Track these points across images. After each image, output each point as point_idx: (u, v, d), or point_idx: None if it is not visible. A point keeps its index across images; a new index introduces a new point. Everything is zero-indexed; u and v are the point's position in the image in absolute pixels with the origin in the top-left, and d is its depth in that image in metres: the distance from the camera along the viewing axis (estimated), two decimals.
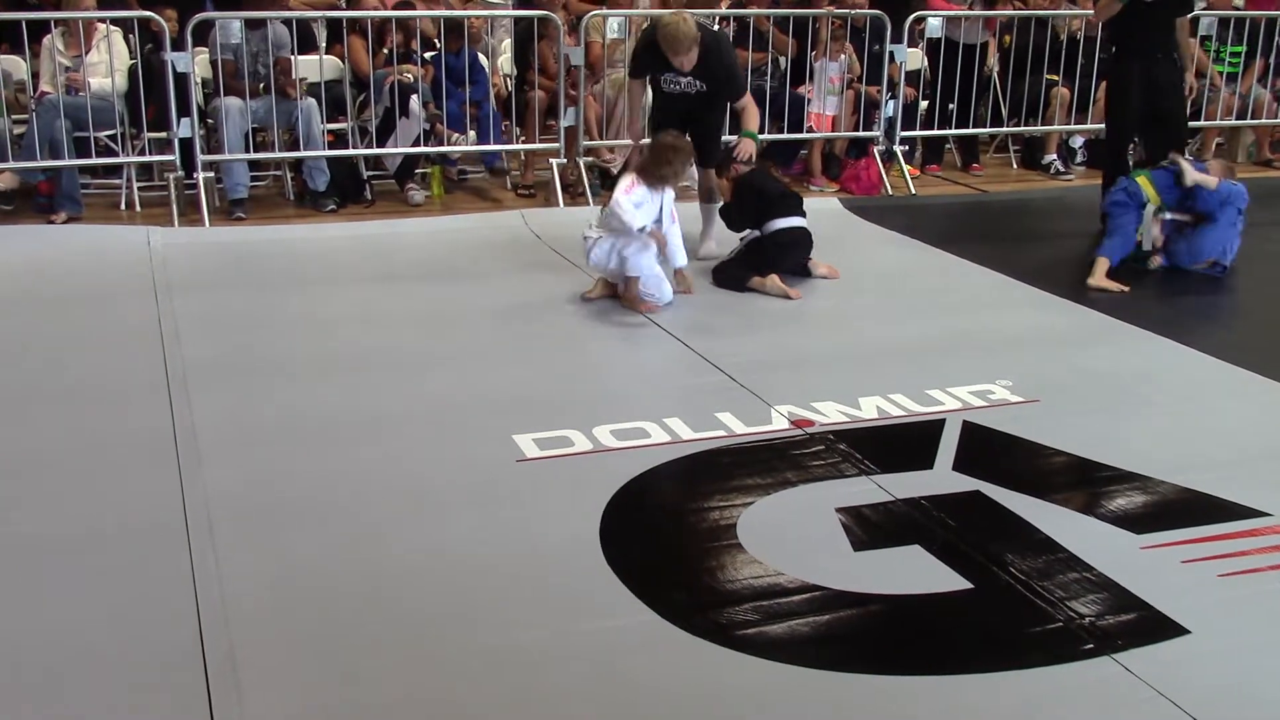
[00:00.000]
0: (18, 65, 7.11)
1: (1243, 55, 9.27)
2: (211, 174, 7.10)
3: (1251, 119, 9.39)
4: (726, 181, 6.06)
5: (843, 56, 8.23)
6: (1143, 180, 6.26)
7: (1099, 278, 5.98)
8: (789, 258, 5.90)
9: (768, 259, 5.82)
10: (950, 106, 8.63)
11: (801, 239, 5.94)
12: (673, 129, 6.35)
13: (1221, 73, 9.16)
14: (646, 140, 7.09)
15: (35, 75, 6.96)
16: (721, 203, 6.26)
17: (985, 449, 3.99)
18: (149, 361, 4.62)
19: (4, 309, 5.30)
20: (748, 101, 6.30)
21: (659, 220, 5.42)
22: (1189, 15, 7.24)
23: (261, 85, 7.15)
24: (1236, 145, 9.76)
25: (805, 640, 2.88)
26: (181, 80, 6.79)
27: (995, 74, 8.91)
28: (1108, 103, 7.15)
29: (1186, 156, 6.42)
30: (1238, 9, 9.62)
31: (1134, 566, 3.21)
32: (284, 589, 3.05)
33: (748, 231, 5.98)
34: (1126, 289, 5.89)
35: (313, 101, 7.23)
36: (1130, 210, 6.19)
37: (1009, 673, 2.77)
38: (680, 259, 5.63)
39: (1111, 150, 7.13)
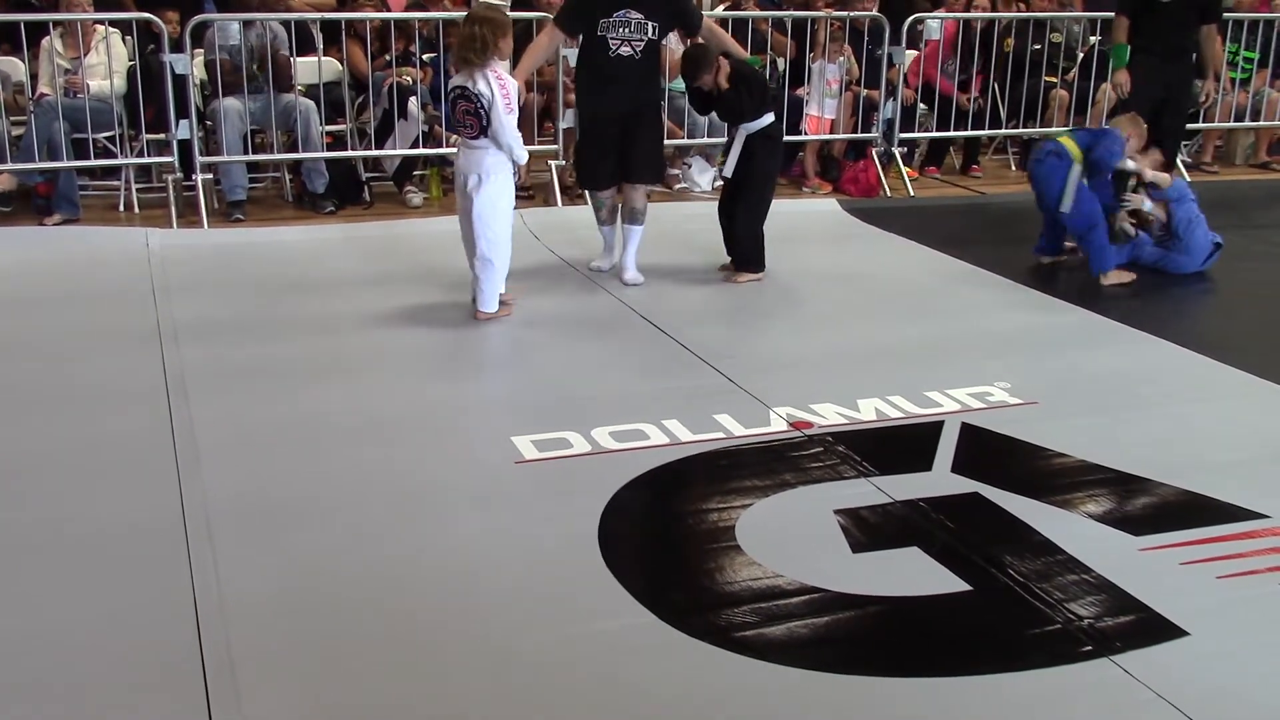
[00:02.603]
0: (16, 67, 7.10)
1: (1255, 62, 9.28)
2: (210, 176, 7.10)
3: (1252, 120, 9.39)
4: (722, 75, 5.61)
5: (841, 59, 8.23)
6: (1066, 140, 6.22)
7: (1110, 275, 6.04)
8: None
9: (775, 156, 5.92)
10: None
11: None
12: (607, 135, 5.72)
13: (1234, 79, 9.17)
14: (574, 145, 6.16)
15: (34, 77, 6.96)
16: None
17: (984, 451, 3.99)
18: (147, 363, 4.62)
19: (3, 310, 5.30)
20: (709, 26, 5.89)
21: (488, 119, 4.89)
22: (1215, 22, 7.23)
23: (259, 85, 7.14)
24: (1235, 146, 9.76)
25: (804, 642, 2.88)
26: (180, 82, 6.80)
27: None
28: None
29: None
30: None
31: (1133, 568, 3.21)
32: (283, 591, 3.04)
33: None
34: (1134, 276, 6.05)
35: (311, 103, 7.23)
36: (1061, 171, 6.05)
37: (1007, 675, 2.76)
38: (520, 154, 5.07)
39: None
